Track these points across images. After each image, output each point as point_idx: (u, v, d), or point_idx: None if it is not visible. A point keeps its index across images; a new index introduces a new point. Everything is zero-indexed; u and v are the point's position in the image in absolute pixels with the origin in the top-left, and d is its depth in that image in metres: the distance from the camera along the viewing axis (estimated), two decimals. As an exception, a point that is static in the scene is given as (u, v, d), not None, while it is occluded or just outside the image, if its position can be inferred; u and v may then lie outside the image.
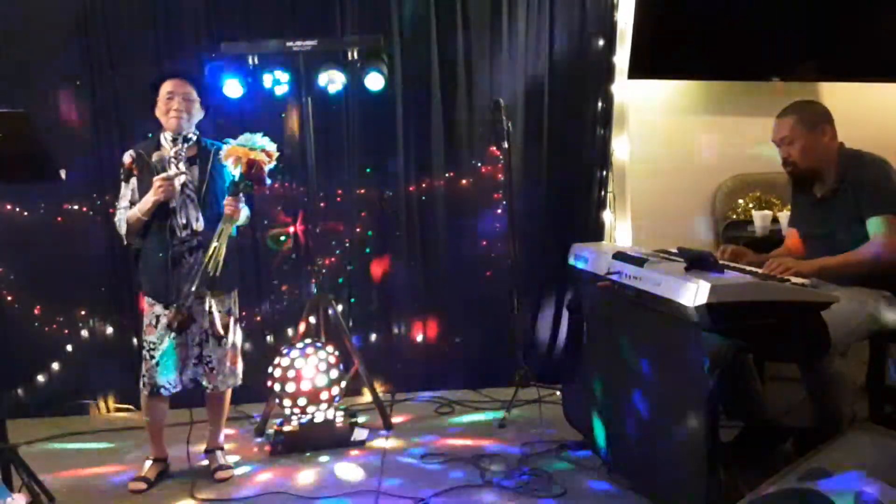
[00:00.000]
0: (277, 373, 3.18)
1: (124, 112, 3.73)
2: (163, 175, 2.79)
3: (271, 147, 2.94)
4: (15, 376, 3.80)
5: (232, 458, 3.16)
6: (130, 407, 3.73)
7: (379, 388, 3.78)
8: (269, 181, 2.99)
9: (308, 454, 3.21)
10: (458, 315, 4.03)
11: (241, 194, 2.88)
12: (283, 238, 3.89)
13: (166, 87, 2.89)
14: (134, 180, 2.90)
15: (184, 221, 2.86)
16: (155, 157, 2.84)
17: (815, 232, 2.86)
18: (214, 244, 2.80)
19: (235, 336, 3.03)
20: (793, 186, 3.06)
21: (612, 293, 2.68)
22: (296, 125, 3.74)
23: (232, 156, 2.85)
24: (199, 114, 2.97)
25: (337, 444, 3.27)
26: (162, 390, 2.90)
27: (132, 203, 2.88)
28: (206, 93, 3.01)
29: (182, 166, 2.88)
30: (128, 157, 2.93)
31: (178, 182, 2.83)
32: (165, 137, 2.91)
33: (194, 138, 2.95)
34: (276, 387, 3.17)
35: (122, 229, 2.90)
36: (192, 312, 2.86)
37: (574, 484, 2.80)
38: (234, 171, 2.88)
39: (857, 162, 2.76)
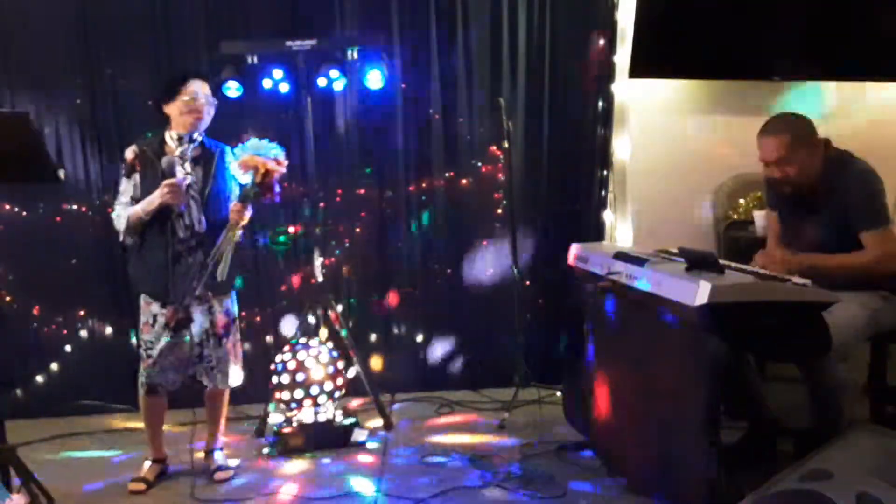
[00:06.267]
0: (279, 369, 3.20)
1: (124, 112, 3.72)
2: (171, 181, 2.74)
3: (281, 155, 2.94)
4: (14, 376, 3.79)
5: (231, 460, 3.15)
6: (129, 407, 3.72)
7: (379, 388, 3.78)
8: (279, 188, 2.98)
9: (308, 455, 3.21)
10: (458, 315, 4.02)
11: (249, 201, 2.87)
12: (282, 238, 3.89)
13: (192, 86, 2.83)
14: (136, 176, 2.86)
15: (187, 222, 2.84)
16: (164, 161, 2.78)
17: (802, 235, 2.78)
18: (221, 249, 2.80)
19: (235, 336, 3.02)
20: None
21: (612, 293, 2.68)
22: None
23: (248, 164, 2.85)
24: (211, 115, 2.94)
25: (337, 444, 3.26)
26: (159, 388, 2.90)
27: (133, 199, 2.85)
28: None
29: (188, 166, 2.86)
30: (130, 153, 2.89)
31: (184, 186, 2.81)
32: (171, 136, 2.88)
33: (199, 139, 2.93)
34: (276, 382, 3.19)
35: (121, 225, 2.84)
36: (190, 312, 2.86)
37: (574, 484, 2.79)
38: (242, 177, 2.87)
39: (843, 170, 2.69)
